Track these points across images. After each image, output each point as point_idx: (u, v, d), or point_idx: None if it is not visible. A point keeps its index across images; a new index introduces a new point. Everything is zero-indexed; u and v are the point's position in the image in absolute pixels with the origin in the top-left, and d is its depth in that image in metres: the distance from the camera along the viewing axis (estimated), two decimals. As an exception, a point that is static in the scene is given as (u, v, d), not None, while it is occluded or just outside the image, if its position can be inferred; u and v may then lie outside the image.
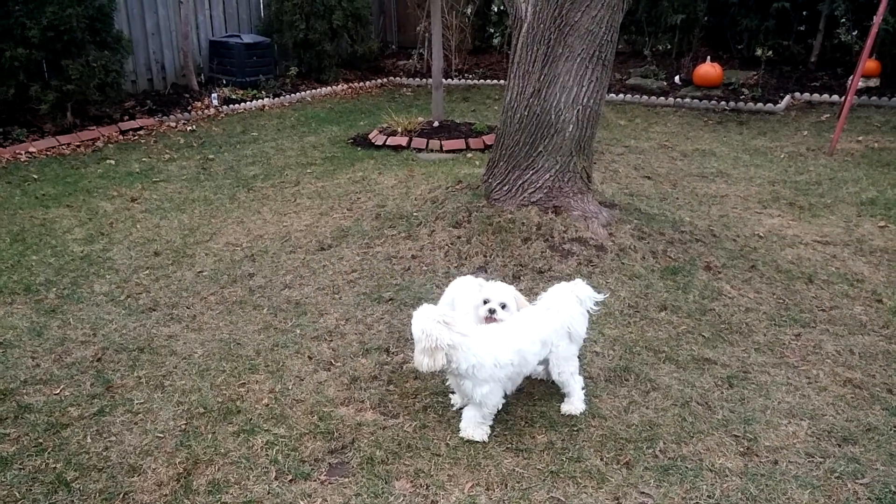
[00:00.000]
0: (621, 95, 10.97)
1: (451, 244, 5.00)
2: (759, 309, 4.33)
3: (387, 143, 8.29)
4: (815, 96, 10.52)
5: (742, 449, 3.10)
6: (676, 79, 11.42)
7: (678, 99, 10.60)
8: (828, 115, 9.60)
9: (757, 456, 3.05)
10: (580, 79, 4.90)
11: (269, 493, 2.85)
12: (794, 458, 3.03)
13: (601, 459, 3.03)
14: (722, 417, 3.31)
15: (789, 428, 3.23)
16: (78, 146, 8.11)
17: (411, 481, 2.91)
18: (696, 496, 2.82)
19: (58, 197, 6.45)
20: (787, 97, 10.40)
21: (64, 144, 8.07)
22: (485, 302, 3.38)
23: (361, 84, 12.33)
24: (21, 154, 7.66)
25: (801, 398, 3.46)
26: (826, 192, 6.60)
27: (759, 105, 10.10)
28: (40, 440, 3.17)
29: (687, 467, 2.98)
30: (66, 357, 3.84)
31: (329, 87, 11.78)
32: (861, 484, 2.88)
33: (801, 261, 5.01)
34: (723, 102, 10.31)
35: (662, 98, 10.72)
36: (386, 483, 2.89)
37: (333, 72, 12.13)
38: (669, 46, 12.49)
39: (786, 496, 2.82)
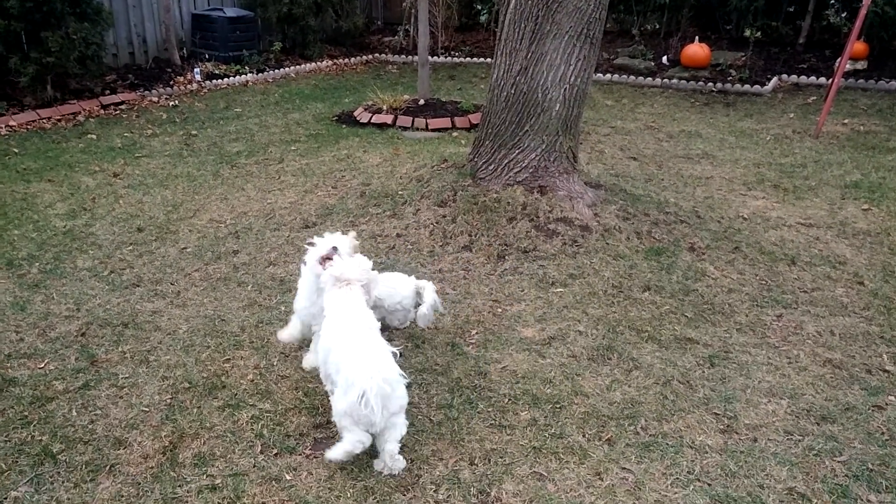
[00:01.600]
0: (608, 75, 10.95)
1: (436, 223, 4.99)
2: (741, 290, 4.37)
3: (372, 121, 8.24)
4: (803, 78, 10.56)
5: (722, 426, 3.14)
6: (664, 59, 11.41)
7: (665, 79, 10.60)
8: (814, 98, 9.65)
9: (737, 433, 3.10)
10: (568, 57, 4.89)
11: (254, 466, 2.87)
12: (774, 436, 3.09)
13: (583, 436, 3.07)
14: (703, 396, 3.35)
15: (769, 406, 3.29)
16: (59, 120, 7.99)
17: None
18: (676, 472, 2.87)
19: (39, 171, 6.37)
20: (775, 79, 10.44)
21: (45, 118, 7.96)
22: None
23: (346, 61, 12.22)
24: (1, 128, 7.54)
25: (782, 378, 3.51)
26: (811, 174, 6.65)
27: (746, 87, 10.12)
28: (26, 413, 3.16)
29: (668, 444, 3.02)
30: (50, 331, 3.81)
31: (313, 64, 11.67)
32: (839, 461, 2.94)
33: (785, 242, 5.06)
34: (710, 84, 10.33)
35: (650, 78, 10.72)
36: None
37: (318, 48, 12.00)
38: (658, 26, 12.47)
39: (764, 472, 2.87)
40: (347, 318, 2.96)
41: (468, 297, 4.23)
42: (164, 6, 10.36)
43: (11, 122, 7.68)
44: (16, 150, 6.91)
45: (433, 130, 8.01)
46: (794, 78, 10.62)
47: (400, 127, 8.10)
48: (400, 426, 2.82)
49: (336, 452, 2.78)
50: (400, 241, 4.88)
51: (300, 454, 2.94)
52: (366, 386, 2.61)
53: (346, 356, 2.77)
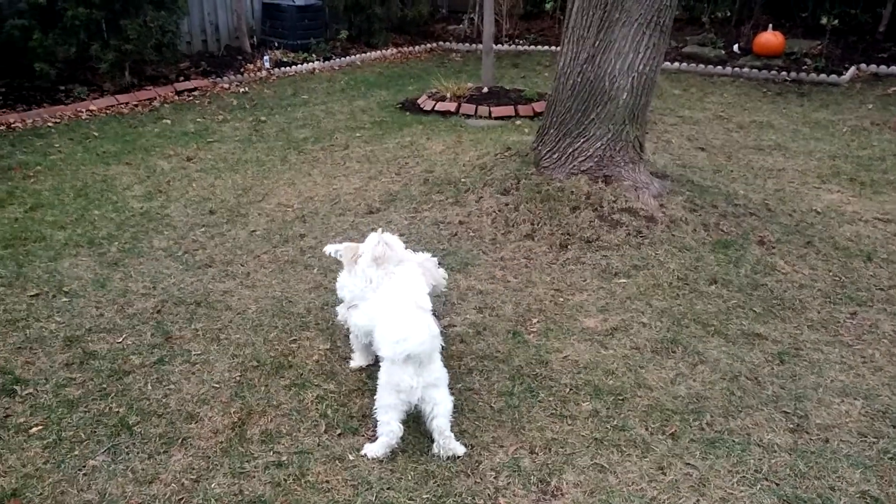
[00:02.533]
0: (676, 64, 10.70)
1: (499, 211, 4.99)
2: (813, 286, 4.24)
3: (435, 109, 8.27)
4: (882, 68, 10.09)
5: (792, 425, 3.07)
6: (735, 47, 11.07)
7: (736, 68, 10.30)
8: (895, 89, 9.22)
9: (807, 433, 3.02)
10: (636, 45, 4.80)
11: (318, 444, 2.94)
12: (846, 437, 3.00)
13: (646, 429, 3.04)
14: (772, 393, 3.27)
15: (842, 407, 3.19)
16: (136, 105, 8.29)
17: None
18: (743, 470, 2.82)
19: (118, 154, 6.63)
20: (852, 68, 10.01)
21: (122, 103, 8.27)
22: None
23: (411, 49, 12.27)
24: (82, 112, 7.87)
25: (856, 377, 3.40)
26: (890, 168, 6.37)
27: (822, 76, 9.75)
28: (104, 385, 3.31)
29: (734, 441, 2.97)
30: (127, 308, 3.99)
31: (378, 52, 11.76)
32: (914, 465, 2.84)
33: (861, 238, 4.88)
34: (783, 73, 9.98)
35: (720, 67, 10.43)
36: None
37: (383, 36, 12.08)
38: (729, 13, 12.10)
39: (836, 475, 2.79)
40: (398, 291, 3.08)
41: (530, 286, 4.23)
42: (235, -6, 10.60)
43: (92, 107, 8.01)
44: (96, 134, 7.20)
45: (496, 118, 7.99)
46: (873, 68, 10.16)
47: (463, 115, 8.11)
48: (442, 402, 2.85)
49: (376, 448, 2.88)
50: (462, 229, 4.90)
51: (363, 435, 3.00)
52: (404, 335, 2.73)
53: (386, 321, 2.91)
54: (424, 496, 2.69)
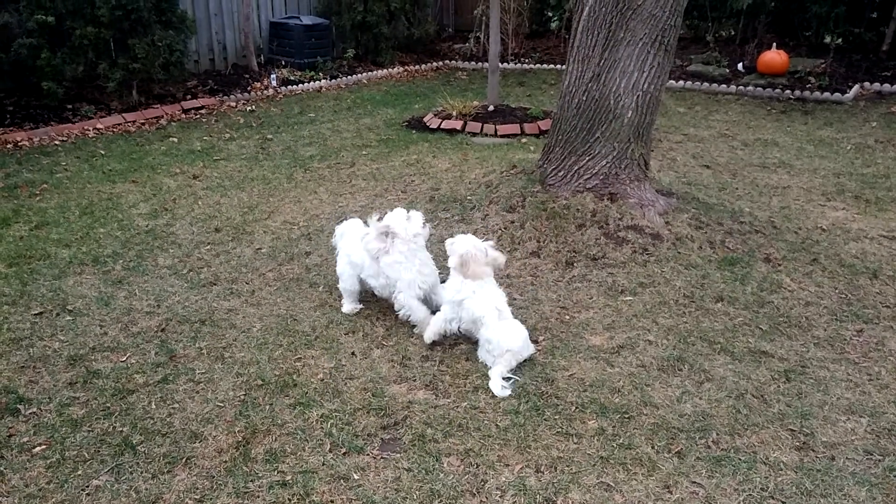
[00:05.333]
0: (681, 82, 10.74)
1: (505, 228, 5.00)
2: (819, 303, 4.22)
3: (441, 127, 8.30)
4: (886, 86, 10.11)
5: (798, 443, 3.05)
6: (739, 66, 11.11)
7: (741, 87, 10.33)
8: (899, 106, 9.24)
9: (813, 451, 3.00)
10: (641, 64, 4.83)
11: (323, 464, 2.93)
12: (852, 455, 2.97)
13: (652, 447, 3.02)
14: (778, 411, 3.25)
15: (848, 424, 3.17)
16: (143, 124, 8.35)
17: (461, 460, 2.95)
18: (749, 488, 2.80)
19: (124, 172, 6.67)
20: (856, 87, 10.03)
21: (130, 122, 8.33)
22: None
23: (417, 67, 12.36)
24: (89, 130, 7.93)
25: (861, 395, 3.37)
26: (894, 185, 6.36)
27: (826, 94, 9.76)
28: (108, 404, 3.31)
29: (740, 459, 2.95)
30: (132, 326, 3.99)
31: (385, 70, 11.84)
32: (922, 485, 2.81)
33: (866, 255, 4.86)
34: (788, 91, 10.00)
35: (724, 85, 10.46)
36: (436, 460, 2.94)
37: (390, 54, 12.19)
38: (733, 32, 12.16)
39: (842, 492, 2.77)
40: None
41: (535, 304, 4.22)
42: (244, 15, 10.71)
43: (99, 125, 8.07)
44: (102, 152, 7.25)
45: (502, 136, 8.02)
46: (876, 86, 10.17)
47: (469, 133, 8.14)
48: None
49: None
50: (467, 247, 4.89)
51: (368, 454, 2.99)
52: None
53: None
54: (429, 516, 2.68)
